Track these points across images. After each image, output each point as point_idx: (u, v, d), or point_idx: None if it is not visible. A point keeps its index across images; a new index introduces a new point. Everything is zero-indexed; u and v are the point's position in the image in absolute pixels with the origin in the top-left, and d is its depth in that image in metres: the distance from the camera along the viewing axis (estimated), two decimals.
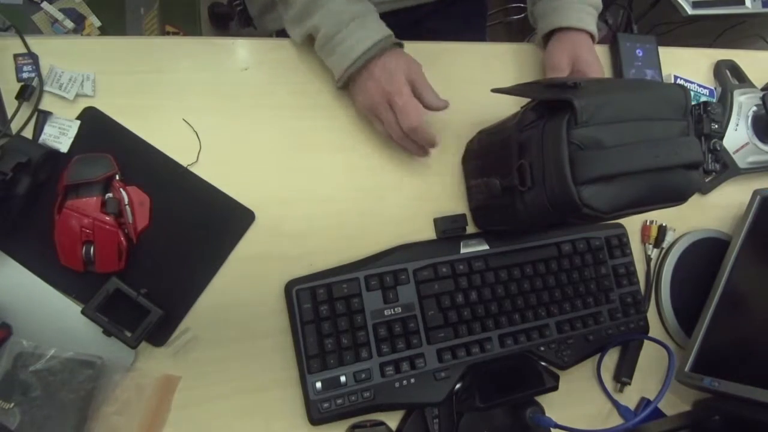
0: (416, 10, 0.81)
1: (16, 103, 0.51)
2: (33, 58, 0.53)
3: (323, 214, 0.59)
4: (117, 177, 0.52)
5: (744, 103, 0.78)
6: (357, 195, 0.61)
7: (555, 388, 0.58)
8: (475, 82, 0.68)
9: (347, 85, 0.60)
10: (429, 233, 0.63)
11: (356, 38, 0.55)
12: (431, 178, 0.64)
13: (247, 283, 0.56)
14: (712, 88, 0.80)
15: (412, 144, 0.59)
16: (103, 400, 0.50)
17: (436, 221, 0.63)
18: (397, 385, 0.55)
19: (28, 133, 0.52)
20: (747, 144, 0.77)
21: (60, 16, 1.16)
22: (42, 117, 0.52)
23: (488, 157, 0.59)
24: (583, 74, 0.65)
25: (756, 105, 0.78)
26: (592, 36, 0.68)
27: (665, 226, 0.72)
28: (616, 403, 0.66)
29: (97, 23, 1.20)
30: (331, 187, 0.60)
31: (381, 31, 0.56)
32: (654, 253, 0.72)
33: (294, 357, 0.55)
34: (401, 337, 0.57)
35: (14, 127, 0.51)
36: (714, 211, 0.77)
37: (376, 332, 0.56)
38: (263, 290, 0.56)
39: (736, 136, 0.77)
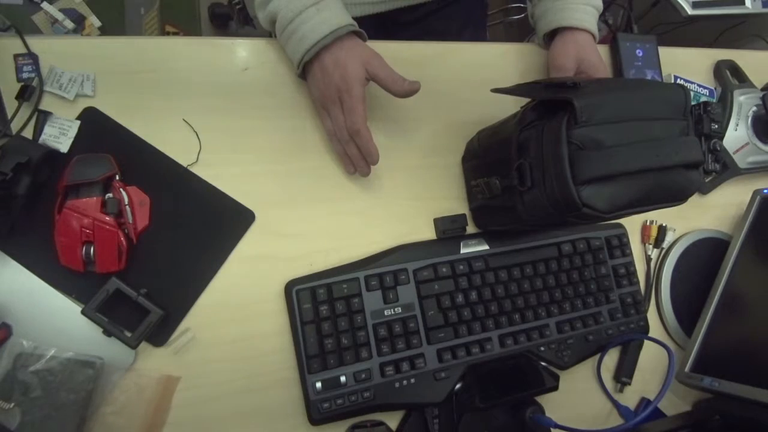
0: (416, 10, 0.81)
1: (16, 103, 0.51)
2: (33, 58, 0.53)
3: (323, 214, 0.59)
4: (117, 177, 0.52)
5: (744, 103, 0.78)
6: (357, 195, 0.61)
7: (555, 388, 0.58)
8: (475, 82, 0.68)
9: (305, 74, 0.58)
10: (429, 233, 0.63)
11: (310, 26, 0.53)
12: (431, 178, 0.64)
13: (247, 283, 0.56)
14: (712, 88, 0.80)
15: (355, 151, 0.56)
16: (103, 401, 0.50)
17: (436, 221, 0.63)
18: (397, 385, 0.55)
19: (28, 133, 0.52)
20: (747, 144, 0.77)
21: (60, 16, 1.16)
22: (42, 117, 0.52)
23: (488, 157, 0.59)
24: (588, 76, 0.65)
25: (756, 105, 0.78)
26: (593, 36, 0.68)
27: (665, 226, 0.72)
28: (616, 403, 0.66)
29: (97, 23, 1.20)
30: (330, 187, 0.60)
31: (338, 19, 0.53)
32: (654, 253, 0.72)
33: (294, 357, 0.55)
34: (401, 337, 0.57)
35: (14, 127, 0.51)
36: (714, 211, 0.77)
37: (376, 332, 0.56)
38: (263, 290, 0.56)
39: (736, 136, 0.77)
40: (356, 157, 0.57)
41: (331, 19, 0.53)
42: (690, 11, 1.11)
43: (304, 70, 0.57)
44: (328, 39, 0.53)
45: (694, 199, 0.76)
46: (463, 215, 0.64)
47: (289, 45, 0.56)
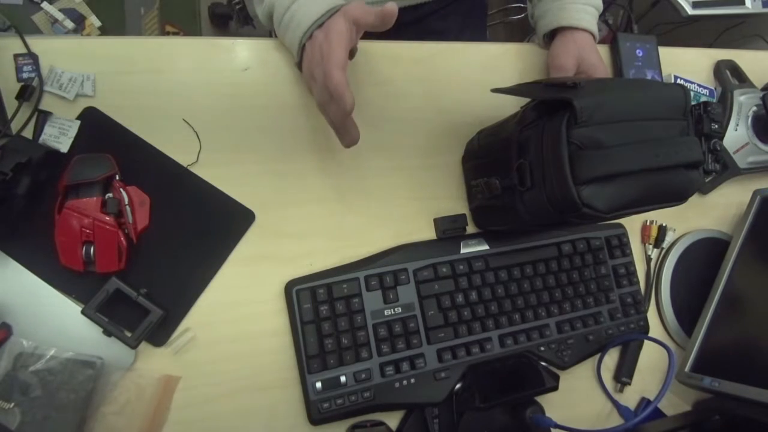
0: (416, 10, 0.81)
1: (16, 103, 0.51)
2: (33, 58, 0.53)
3: (323, 214, 0.59)
4: (117, 177, 0.52)
5: (744, 103, 0.78)
6: (357, 195, 0.61)
7: (555, 388, 0.58)
8: (475, 82, 0.68)
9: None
10: (429, 233, 0.63)
11: (305, 11, 0.53)
12: (431, 179, 0.64)
13: (247, 283, 0.56)
14: (712, 88, 0.80)
15: (334, 109, 0.52)
16: (103, 400, 0.50)
17: (436, 221, 0.63)
18: (397, 385, 0.55)
19: (28, 133, 0.52)
20: (747, 144, 0.77)
21: (60, 16, 1.16)
22: (42, 117, 0.52)
23: (488, 157, 0.59)
24: (588, 76, 0.65)
25: (756, 105, 0.78)
26: (593, 36, 0.68)
27: (665, 226, 0.72)
28: (616, 403, 0.66)
29: (97, 23, 1.20)
30: (331, 187, 0.60)
31: (329, 1, 0.53)
32: (654, 253, 0.72)
33: (294, 357, 0.55)
34: (401, 337, 0.57)
35: (14, 127, 0.51)
36: (714, 211, 0.77)
37: (376, 332, 0.56)
38: (263, 290, 0.56)
39: (736, 136, 0.77)
40: (337, 119, 0.52)
41: (322, 4, 0.53)
42: (690, 11, 1.11)
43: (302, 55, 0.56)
44: (323, 18, 0.52)
45: (694, 199, 0.76)
46: (463, 215, 0.64)
47: (287, 34, 0.56)
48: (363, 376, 0.54)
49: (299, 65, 0.57)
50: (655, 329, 0.70)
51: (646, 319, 0.68)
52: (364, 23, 0.52)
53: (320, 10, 0.53)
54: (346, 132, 0.54)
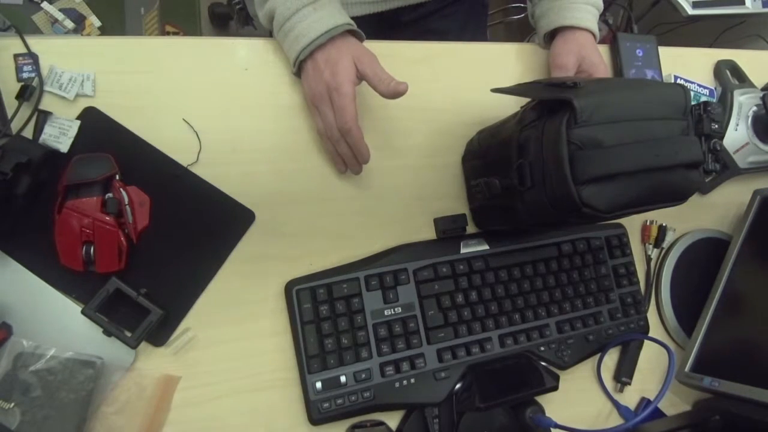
0: (416, 9, 0.81)
1: (16, 103, 0.51)
2: (33, 58, 0.53)
3: (323, 214, 0.59)
4: (117, 177, 0.52)
5: (744, 103, 0.78)
6: (357, 195, 0.61)
7: (555, 388, 0.58)
8: (475, 82, 0.68)
9: (300, 73, 0.58)
10: (429, 233, 0.63)
11: (306, 25, 0.53)
12: (431, 178, 0.64)
13: (247, 283, 0.56)
14: (712, 88, 0.80)
15: (346, 150, 0.56)
16: (103, 400, 0.50)
17: (436, 221, 0.63)
18: (397, 385, 0.55)
19: (28, 133, 0.52)
20: (747, 144, 0.77)
21: (60, 16, 1.16)
22: (42, 117, 0.52)
23: (488, 157, 0.59)
24: (589, 75, 0.65)
25: (756, 105, 0.78)
26: (593, 36, 0.68)
27: (665, 226, 0.72)
28: (616, 403, 0.66)
29: (97, 23, 1.20)
30: (331, 187, 0.60)
31: (333, 18, 0.53)
32: (654, 253, 0.72)
33: (294, 357, 0.55)
34: (401, 337, 0.57)
35: (14, 127, 0.51)
36: (714, 211, 0.77)
37: (376, 332, 0.56)
38: (263, 290, 0.56)
39: (736, 136, 0.77)
40: (347, 156, 0.57)
41: (326, 18, 0.53)
42: (690, 11, 1.11)
43: (299, 68, 0.57)
44: (323, 38, 0.53)
45: (694, 199, 0.76)
46: (463, 215, 0.64)
47: (285, 43, 0.56)
48: (363, 376, 0.54)
49: (297, 75, 0.58)
50: (655, 329, 0.70)
51: (646, 319, 0.68)
52: (370, 83, 0.54)
53: (321, 29, 0.53)
54: (352, 168, 0.58)
